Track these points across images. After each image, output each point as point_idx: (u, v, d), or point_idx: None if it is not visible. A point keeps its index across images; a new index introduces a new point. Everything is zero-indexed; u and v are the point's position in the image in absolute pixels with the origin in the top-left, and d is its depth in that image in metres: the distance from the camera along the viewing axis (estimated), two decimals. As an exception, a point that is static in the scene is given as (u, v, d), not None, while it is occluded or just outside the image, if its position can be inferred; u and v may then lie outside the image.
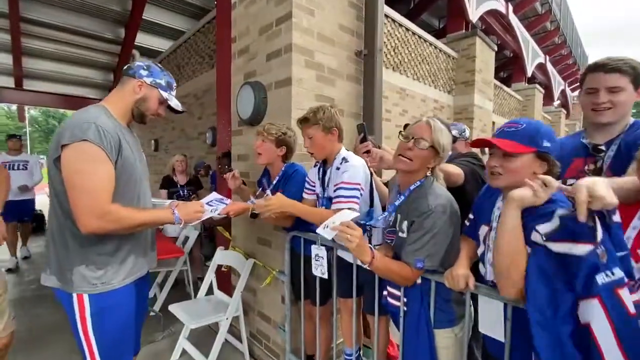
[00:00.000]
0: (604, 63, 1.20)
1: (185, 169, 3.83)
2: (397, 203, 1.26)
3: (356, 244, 1.08)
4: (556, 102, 16.03)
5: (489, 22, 9.03)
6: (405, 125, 2.37)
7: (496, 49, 6.99)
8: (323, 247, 1.55)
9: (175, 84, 1.39)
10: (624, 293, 0.76)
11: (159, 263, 2.96)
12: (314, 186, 1.68)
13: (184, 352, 2.22)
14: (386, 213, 1.31)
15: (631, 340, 0.74)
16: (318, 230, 1.15)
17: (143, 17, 6.45)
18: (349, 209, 1.35)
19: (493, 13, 8.72)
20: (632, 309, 0.75)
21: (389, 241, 1.31)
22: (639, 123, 1.22)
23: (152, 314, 2.80)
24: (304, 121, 1.55)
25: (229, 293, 2.43)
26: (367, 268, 1.16)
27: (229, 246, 2.55)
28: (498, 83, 8.49)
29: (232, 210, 1.59)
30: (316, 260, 1.56)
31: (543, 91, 11.69)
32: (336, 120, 1.55)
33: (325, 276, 1.55)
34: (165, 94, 1.33)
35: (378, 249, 1.26)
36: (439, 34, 7.08)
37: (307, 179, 1.73)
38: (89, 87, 8.49)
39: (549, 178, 0.90)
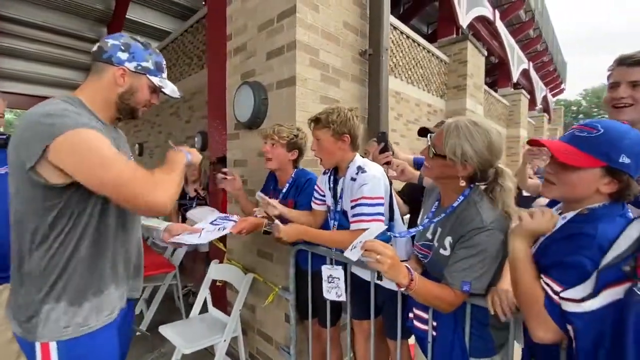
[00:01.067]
0: (628, 56, 1.11)
1: (199, 178, 3.34)
2: (435, 220, 1.10)
3: (389, 266, 0.91)
4: (538, 107, 16.43)
5: (477, 28, 9.15)
6: (420, 130, 2.25)
7: (486, 54, 7.05)
8: (339, 267, 1.39)
9: (164, 63, 1.09)
10: None
11: (147, 279, 2.75)
12: (324, 196, 1.52)
13: (175, 378, 2.01)
14: (424, 225, 1.15)
15: None
16: (345, 254, 0.98)
17: (127, 16, 6.18)
18: None
19: (481, 19, 8.84)
20: None
21: (420, 256, 1.16)
22: None
23: (138, 333, 2.57)
24: (315, 121, 1.39)
25: (225, 310, 2.24)
26: (402, 291, 0.99)
27: (224, 259, 2.36)
28: (487, 88, 8.58)
29: (244, 228, 1.42)
30: (330, 282, 1.38)
31: (528, 96, 11.93)
32: (351, 126, 1.37)
33: (343, 298, 1.38)
34: (156, 80, 1.04)
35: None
36: (428, 39, 7.06)
37: (316, 187, 1.57)
38: (69, 89, 8.08)
39: (548, 211, 0.85)
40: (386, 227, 1.03)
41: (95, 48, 1.00)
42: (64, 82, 7.60)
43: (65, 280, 0.92)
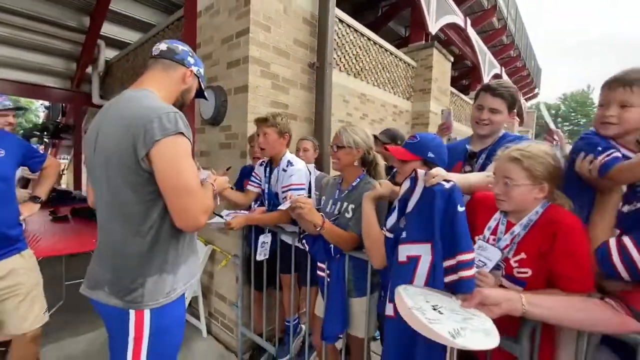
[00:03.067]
0: (493, 87, 1.42)
1: None
2: (344, 192, 1.56)
3: (308, 209, 1.39)
4: (511, 110, 17.33)
5: (449, 34, 9.71)
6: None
7: (452, 60, 7.58)
8: (269, 234, 1.85)
9: None
10: (400, 248, 1.11)
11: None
12: (260, 181, 1.97)
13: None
14: (329, 200, 1.63)
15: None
16: (279, 207, 1.48)
17: (110, 7, 6.36)
18: None
19: (453, 26, 9.38)
20: (400, 258, 1.10)
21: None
22: (507, 135, 1.51)
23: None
24: (263, 120, 1.81)
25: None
26: (318, 230, 1.43)
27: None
28: (455, 91, 9.16)
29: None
30: (262, 246, 1.84)
31: (497, 100, 12.64)
32: (289, 128, 1.86)
33: (267, 257, 1.85)
34: (203, 85, 1.27)
35: None
36: (404, 41, 7.53)
37: (253, 173, 2.01)
38: (48, 75, 8.16)
39: (384, 182, 1.33)
40: (304, 192, 1.64)
41: (164, 48, 1.14)
42: (44, 68, 7.70)
43: (166, 253, 1.03)
